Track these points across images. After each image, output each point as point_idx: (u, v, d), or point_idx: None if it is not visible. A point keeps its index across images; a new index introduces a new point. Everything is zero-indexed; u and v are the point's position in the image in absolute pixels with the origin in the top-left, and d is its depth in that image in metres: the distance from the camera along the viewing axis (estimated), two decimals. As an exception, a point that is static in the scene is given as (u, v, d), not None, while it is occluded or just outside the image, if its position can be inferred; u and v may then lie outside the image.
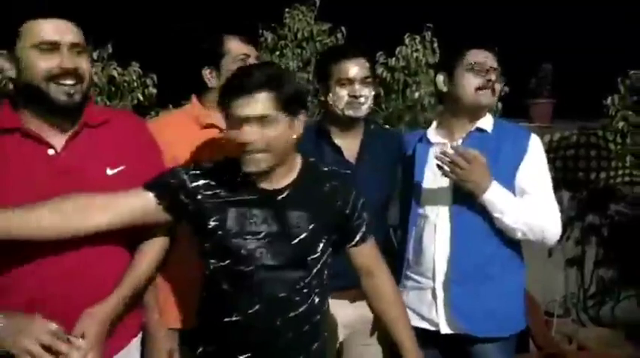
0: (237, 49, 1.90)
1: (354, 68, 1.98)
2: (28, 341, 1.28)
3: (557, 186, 4.97)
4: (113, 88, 3.64)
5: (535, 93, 5.35)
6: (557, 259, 4.42)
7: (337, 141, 2.04)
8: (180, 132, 1.87)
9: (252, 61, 1.91)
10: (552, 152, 4.85)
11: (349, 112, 1.98)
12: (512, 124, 2.07)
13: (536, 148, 1.91)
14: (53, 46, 1.40)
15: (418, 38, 3.44)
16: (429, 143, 2.00)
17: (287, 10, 3.64)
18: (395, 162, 2.06)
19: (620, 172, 4.73)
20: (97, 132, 1.52)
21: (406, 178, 2.04)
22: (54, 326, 1.32)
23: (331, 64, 2.01)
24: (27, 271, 1.40)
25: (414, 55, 3.33)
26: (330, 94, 2.00)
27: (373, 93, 2.04)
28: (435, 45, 3.48)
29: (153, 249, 1.56)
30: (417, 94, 3.29)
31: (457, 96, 1.92)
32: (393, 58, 3.34)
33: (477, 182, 1.81)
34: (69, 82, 1.41)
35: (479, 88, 1.88)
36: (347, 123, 2.03)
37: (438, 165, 1.84)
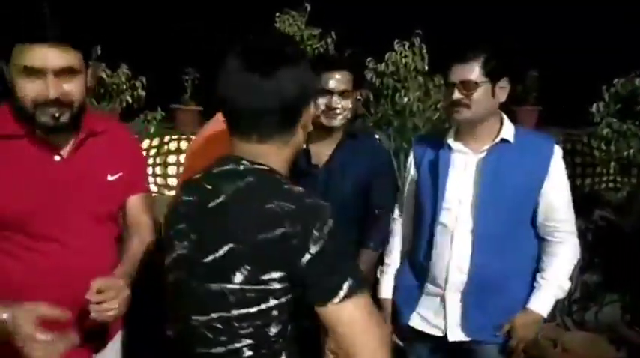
0: None
1: (333, 81, 2.07)
2: (29, 327, 1.28)
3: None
4: (102, 90, 3.62)
5: (521, 100, 5.41)
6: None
7: (311, 145, 2.14)
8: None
9: None
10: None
11: (324, 121, 2.08)
12: (533, 133, 2.06)
13: (559, 159, 1.91)
14: (39, 72, 1.37)
15: (407, 44, 3.47)
16: (450, 150, 1.98)
17: (277, 14, 3.66)
18: (369, 168, 2.13)
19: (604, 178, 4.81)
20: (99, 141, 1.57)
21: (421, 182, 2.02)
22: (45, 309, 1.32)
23: (318, 73, 2.05)
24: (14, 263, 1.45)
25: (404, 61, 3.36)
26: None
27: (351, 106, 2.12)
28: (424, 51, 3.50)
29: (144, 237, 1.66)
30: (405, 100, 3.31)
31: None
32: (383, 64, 3.36)
33: (535, 330, 1.94)
34: (53, 108, 1.41)
35: (452, 104, 1.88)
36: (323, 129, 2.11)
37: (479, 174, 1.91)
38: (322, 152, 2.15)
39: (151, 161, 4.21)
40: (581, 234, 4.51)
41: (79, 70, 1.42)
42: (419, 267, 2.01)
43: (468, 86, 1.84)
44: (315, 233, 1.10)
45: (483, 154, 1.90)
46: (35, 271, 1.46)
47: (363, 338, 1.10)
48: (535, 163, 1.88)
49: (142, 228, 1.68)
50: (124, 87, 3.65)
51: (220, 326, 1.16)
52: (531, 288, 1.95)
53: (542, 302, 1.91)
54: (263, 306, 1.14)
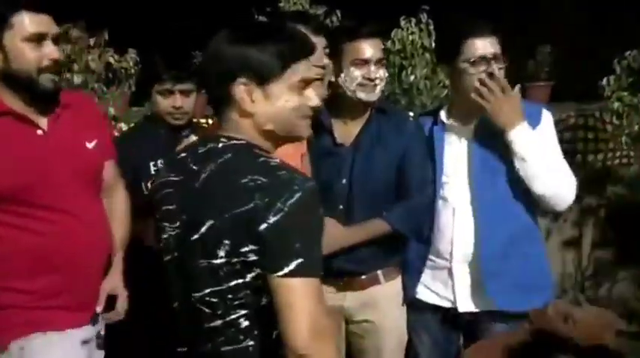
0: None
1: (370, 49, 1.91)
2: None
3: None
4: (110, 75, 3.65)
5: (532, 75, 5.33)
6: (553, 241, 4.45)
7: (337, 123, 2.00)
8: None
9: (320, 52, 1.79)
10: (550, 135, 4.84)
11: (361, 95, 1.92)
12: (524, 102, 2.07)
13: (547, 122, 1.94)
14: (42, 38, 1.54)
15: (414, 21, 3.43)
16: (444, 125, 2.00)
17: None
18: (404, 144, 1.99)
19: (617, 154, 4.74)
20: (70, 112, 1.72)
21: (428, 157, 2.03)
22: None
23: (345, 42, 1.93)
24: (23, 233, 1.61)
25: (410, 38, 3.32)
26: (342, 74, 1.93)
27: (387, 75, 1.99)
28: (431, 27, 3.46)
29: (123, 205, 1.90)
30: (412, 78, 3.29)
31: (464, 87, 1.93)
32: (389, 41, 3.33)
33: (509, 115, 1.81)
34: (53, 74, 1.60)
35: (482, 84, 1.87)
36: (355, 106, 1.97)
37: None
38: (349, 130, 2.01)
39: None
40: (594, 211, 4.51)
41: (62, 39, 1.69)
42: (424, 240, 2.03)
43: (499, 59, 1.86)
44: (279, 204, 1.11)
45: (474, 125, 1.93)
46: (46, 237, 1.62)
47: (296, 322, 1.10)
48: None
49: (118, 197, 1.90)
50: (132, 71, 3.67)
51: (215, 300, 1.19)
52: (540, 247, 1.96)
53: (527, 132, 1.84)
54: (248, 277, 1.16)
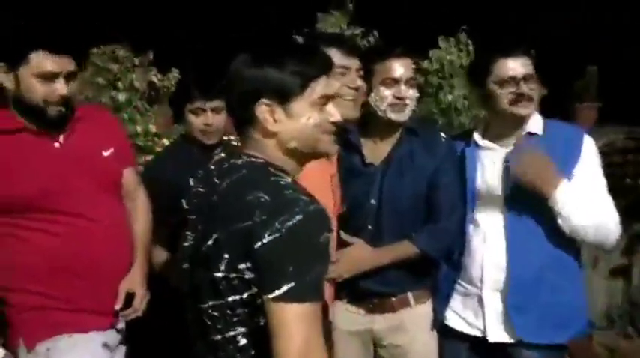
0: (336, 62, 1.79)
1: (401, 68, 1.88)
2: None
3: (603, 193, 4.81)
4: (153, 93, 3.76)
5: (580, 96, 5.20)
6: (601, 269, 4.26)
7: (368, 142, 2.00)
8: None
9: (353, 74, 1.79)
10: (597, 158, 4.68)
11: (391, 115, 1.89)
12: (563, 125, 2.01)
13: (589, 151, 1.85)
14: (54, 76, 1.65)
15: (453, 40, 3.39)
16: (478, 147, 1.96)
17: (319, 14, 3.68)
18: (435, 165, 1.92)
19: (670, 180, 4.53)
20: (85, 124, 1.80)
21: (456, 181, 1.96)
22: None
23: (377, 62, 1.90)
24: (45, 238, 1.68)
25: (448, 57, 3.29)
26: (373, 94, 1.90)
27: (417, 95, 1.96)
28: (470, 47, 3.42)
29: (145, 213, 1.94)
30: (450, 97, 3.24)
31: (495, 109, 1.88)
32: (426, 61, 3.31)
33: (547, 180, 1.77)
34: (61, 106, 1.69)
35: (512, 102, 1.84)
36: (385, 126, 1.94)
37: (507, 168, 1.81)
38: (379, 150, 1.96)
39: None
40: (642, 239, 4.30)
41: (77, 73, 1.73)
42: (455, 266, 1.97)
43: (531, 79, 1.82)
44: (277, 224, 1.08)
45: (511, 148, 1.87)
46: (65, 241, 1.68)
47: (281, 347, 1.07)
48: (565, 154, 1.83)
49: (139, 202, 1.94)
50: (174, 90, 3.78)
51: (216, 314, 1.19)
52: (575, 280, 1.88)
53: (567, 190, 1.77)
54: (245, 295, 1.14)
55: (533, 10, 4.77)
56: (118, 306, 1.79)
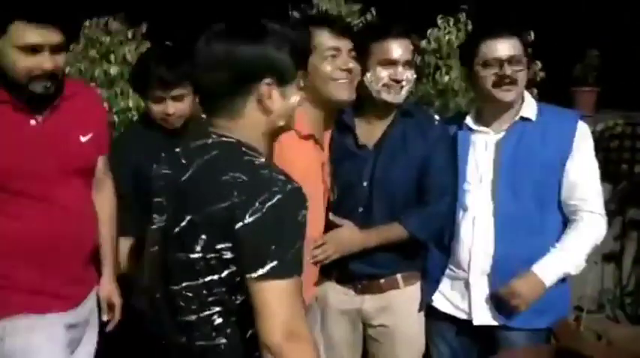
0: (326, 43, 1.77)
1: (399, 49, 1.86)
2: None
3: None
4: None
5: (579, 80, 5.13)
6: (592, 254, 4.25)
7: (362, 123, 1.95)
8: (294, 147, 1.72)
9: (345, 56, 1.78)
10: (595, 143, 4.65)
11: (386, 96, 1.87)
12: (558, 110, 2.00)
13: (584, 136, 1.85)
14: (37, 49, 1.55)
15: (452, 20, 3.33)
16: (471, 131, 1.94)
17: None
18: (427, 148, 1.93)
19: (666, 165, 4.52)
20: (71, 104, 1.72)
21: (449, 164, 1.98)
22: None
23: (374, 41, 1.88)
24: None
25: (446, 37, 3.23)
26: (368, 74, 1.88)
27: (414, 77, 1.93)
28: (470, 27, 3.36)
29: (109, 212, 1.91)
30: (447, 78, 3.20)
31: (480, 91, 1.87)
32: (424, 41, 3.25)
33: (536, 294, 1.85)
34: (46, 80, 1.60)
35: (495, 84, 1.82)
36: (379, 107, 1.92)
37: (499, 154, 1.85)
38: (372, 131, 1.97)
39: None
40: (638, 224, 4.30)
41: (64, 46, 1.64)
42: (443, 248, 1.98)
43: (516, 61, 1.79)
44: (257, 204, 1.11)
45: (503, 133, 1.85)
46: (26, 223, 1.65)
47: (268, 324, 1.10)
48: (558, 140, 1.82)
49: (106, 191, 1.91)
50: (134, 69, 3.69)
51: (191, 294, 1.21)
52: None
53: (547, 269, 1.84)
54: (223, 274, 1.17)
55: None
56: (105, 318, 1.84)
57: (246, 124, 1.23)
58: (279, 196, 1.11)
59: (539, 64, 3.24)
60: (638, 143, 4.67)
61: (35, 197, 1.65)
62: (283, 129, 1.30)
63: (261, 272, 1.10)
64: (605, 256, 4.29)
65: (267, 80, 1.20)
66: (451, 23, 3.31)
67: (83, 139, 1.76)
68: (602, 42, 4.78)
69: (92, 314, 1.88)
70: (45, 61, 1.56)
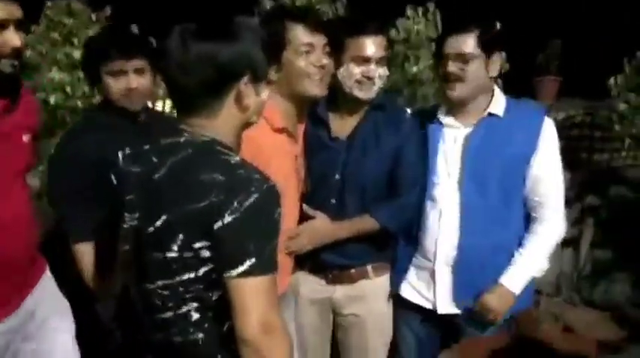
0: (300, 39, 1.75)
1: (372, 46, 1.84)
2: None
3: (558, 165, 4.94)
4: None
5: (542, 69, 5.25)
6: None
7: (335, 116, 1.98)
8: (268, 140, 1.69)
9: (319, 52, 1.75)
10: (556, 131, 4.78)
11: (358, 93, 1.88)
12: (525, 105, 2.02)
13: (549, 133, 1.87)
14: (2, 25, 1.47)
15: (421, 10, 3.36)
16: (441, 125, 1.96)
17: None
18: (399, 141, 1.94)
19: (623, 154, 4.69)
20: (19, 104, 1.64)
21: (419, 157, 1.98)
22: None
23: (348, 37, 1.86)
24: None
25: (415, 27, 3.26)
26: (341, 69, 1.88)
27: (387, 73, 1.92)
28: (438, 18, 3.39)
29: None
30: (415, 68, 3.23)
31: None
32: (393, 30, 3.27)
33: (507, 306, 1.90)
34: (13, 59, 1.52)
35: (445, 77, 1.86)
36: (351, 102, 1.93)
37: (467, 148, 1.88)
38: (345, 124, 1.96)
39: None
40: (595, 210, 4.46)
41: (24, 23, 1.54)
42: (411, 238, 2.01)
43: (462, 58, 1.81)
44: (235, 204, 1.12)
45: (471, 128, 1.89)
46: None
47: (245, 319, 1.13)
48: (524, 136, 1.86)
49: None
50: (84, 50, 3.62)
51: (166, 292, 1.22)
52: None
53: (514, 279, 1.90)
54: (200, 272, 1.18)
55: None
56: None
57: (221, 122, 1.22)
58: (256, 196, 1.13)
59: (503, 55, 3.30)
60: (596, 132, 4.84)
61: None
62: (251, 123, 1.30)
63: (240, 269, 1.12)
64: (564, 241, 4.40)
65: (246, 78, 1.20)
66: (420, 14, 3.34)
67: (25, 139, 1.67)
68: (564, 32, 4.90)
69: (38, 307, 1.74)
70: (12, 38, 1.49)
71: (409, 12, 3.35)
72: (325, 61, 1.79)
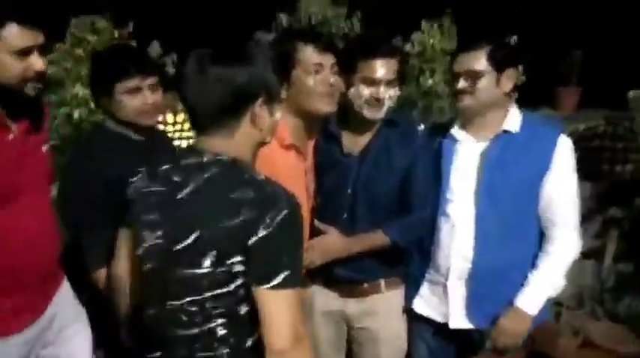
0: (310, 59, 1.80)
1: (382, 69, 1.88)
2: None
3: (579, 177, 4.87)
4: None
5: (562, 80, 5.20)
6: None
7: (347, 133, 2.00)
8: (278, 157, 1.73)
9: (327, 71, 1.80)
10: (576, 142, 4.72)
11: (366, 113, 1.91)
12: (541, 121, 2.03)
13: (564, 152, 1.87)
14: (28, 51, 1.53)
15: (436, 24, 3.37)
16: (455, 140, 1.97)
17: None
18: (411, 157, 1.96)
19: (646, 165, 4.61)
20: (43, 124, 1.73)
21: (431, 173, 1.99)
22: None
23: (359, 59, 1.90)
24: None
25: (430, 41, 3.27)
26: (352, 89, 1.92)
27: (398, 93, 1.96)
28: (454, 32, 3.40)
29: None
30: (430, 81, 3.24)
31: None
32: (408, 44, 3.29)
33: (524, 329, 1.90)
34: (38, 82, 1.58)
35: (457, 93, 1.87)
36: (361, 121, 1.96)
37: (482, 164, 1.89)
38: (357, 140, 1.99)
39: (176, 135, 4.23)
40: (618, 222, 4.39)
41: (47, 47, 1.61)
42: (424, 254, 2.02)
43: (472, 75, 1.83)
44: (268, 219, 1.18)
45: (486, 144, 1.90)
46: (7, 236, 1.60)
47: (278, 331, 1.19)
48: (538, 155, 1.86)
49: None
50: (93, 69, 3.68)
51: (195, 308, 1.26)
52: None
53: (529, 301, 1.89)
54: (232, 287, 1.23)
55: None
56: None
57: (238, 142, 1.27)
58: (285, 211, 1.19)
59: (519, 69, 3.29)
60: (618, 143, 4.76)
61: (21, 210, 1.62)
62: (266, 143, 1.36)
63: (274, 282, 1.18)
64: (586, 253, 4.35)
65: (262, 98, 1.26)
66: (435, 27, 3.35)
67: (44, 149, 1.74)
68: (585, 42, 4.85)
69: (57, 314, 1.78)
70: (36, 63, 1.56)
71: (424, 26, 3.36)
72: (333, 79, 1.82)
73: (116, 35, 3.76)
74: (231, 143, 1.27)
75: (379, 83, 1.88)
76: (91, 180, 1.76)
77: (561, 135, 1.89)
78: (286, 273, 1.18)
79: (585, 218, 4.73)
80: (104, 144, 1.85)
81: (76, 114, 3.69)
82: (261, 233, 1.17)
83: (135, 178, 1.36)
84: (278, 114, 1.32)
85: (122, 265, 1.47)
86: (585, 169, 4.87)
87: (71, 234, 1.85)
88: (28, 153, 1.66)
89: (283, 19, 3.57)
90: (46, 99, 3.71)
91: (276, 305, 1.18)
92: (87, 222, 1.78)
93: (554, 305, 3.96)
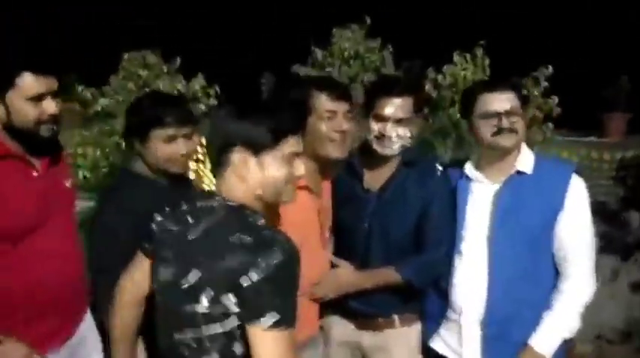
0: (324, 106, 1.89)
1: (391, 108, 1.96)
2: None
3: (627, 206, 4.68)
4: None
5: (610, 106, 5.09)
6: (621, 282, 4.21)
7: (368, 169, 2.08)
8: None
9: (340, 117, 1.89)
10: (624, 169, 4.61)
11: (376, 147, 1.99)
12: (553, 163, 2.03)
13: (577, 190, 1.88)
14: (42, 97, 1.68)
15: (468, 56, 3.41)
16: (469, 180, 2.01)
17: (335, 28, 3.74)
18: (427, 196, 2.00)
19: (699, 194, 4.41)
20: (60, 162, 1.88)
21: (447, 212, 2.03)
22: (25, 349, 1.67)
23: (375, 96, 2.01)
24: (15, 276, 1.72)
25: (462, 73, 3.31)
26: (366, 125, 2.02)
27: (408, 134, 2.00)
28: (487, 63, 3.43)
29: None
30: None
31: (479, 139, 1.93)
32: (440, 76, 3.34)
33: None
34: (51, 124, 1.72)
35: (494, 134, 1.88)
36: (375, 157, 2.04)
37: (495, 204, 1.91)
38: (377, 178, 2.06)
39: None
40: (667, 253, 4.20)
41: (58, 92, 1.73)
42: (441, 293, 2.04)
43: (514, 115, 1.87)
44: (262, 263, 1.25)
45: (500, 186, 1.91)
46: (40, 274, 1.73)
47: None
48: (551, 195, 1.86)
49: None
50: (200, 95, 3.90)
51: (194, 344, 1.35)
52: None
53: (544, 341, 1.88)
54: (227, 327, 1.30)
55: (554, 25, 4.65)
56: None
57: (237, 188, 1.38)
58: (280, 255, 1.26)
59: (555, 99, 3.28)
60: (668, 170, 4.60)
61: (52, 247, 1.74)
62: (270, 202, 1.42)
63: (265, 324, 1.24)
64: (634, 285, 4.21)
65: (237, 148, 1.36)
66: (467, 58, 3.38)
67: (67, 184, 1.88)
68: (630, 67, 4.73)
69: (84, 339, 1.91)
70: (50, 107, 1.67)
71: (456, 58, 3.40)
72: (346, 126, 1.91)
73: (165, 70, 3.98)
74: (232, 189, 1.38)
75: (387, 120, 1.96)
76: (116, 229, 1.74)
77: (574, 174, 1.89)
78: (278, 316, 1.24)
79: (633, 248, 4.57)
80: (131, 194, 1.81)
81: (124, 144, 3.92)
82: (255, 276, 1.24)
83: (160, 214, 1.47)
84: (276, 171, 1.37)
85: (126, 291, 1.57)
86: (634, 198, 4.71)
87: (92, 277, 1.89)
88: (51, 187, 1.80)
89: (318, 53, 3.71)
90: (97, 128, 3.98)
91: (267, 346, 1.25)
92: (105, 267, 1.75)
93: (595, 338, 3.85)
